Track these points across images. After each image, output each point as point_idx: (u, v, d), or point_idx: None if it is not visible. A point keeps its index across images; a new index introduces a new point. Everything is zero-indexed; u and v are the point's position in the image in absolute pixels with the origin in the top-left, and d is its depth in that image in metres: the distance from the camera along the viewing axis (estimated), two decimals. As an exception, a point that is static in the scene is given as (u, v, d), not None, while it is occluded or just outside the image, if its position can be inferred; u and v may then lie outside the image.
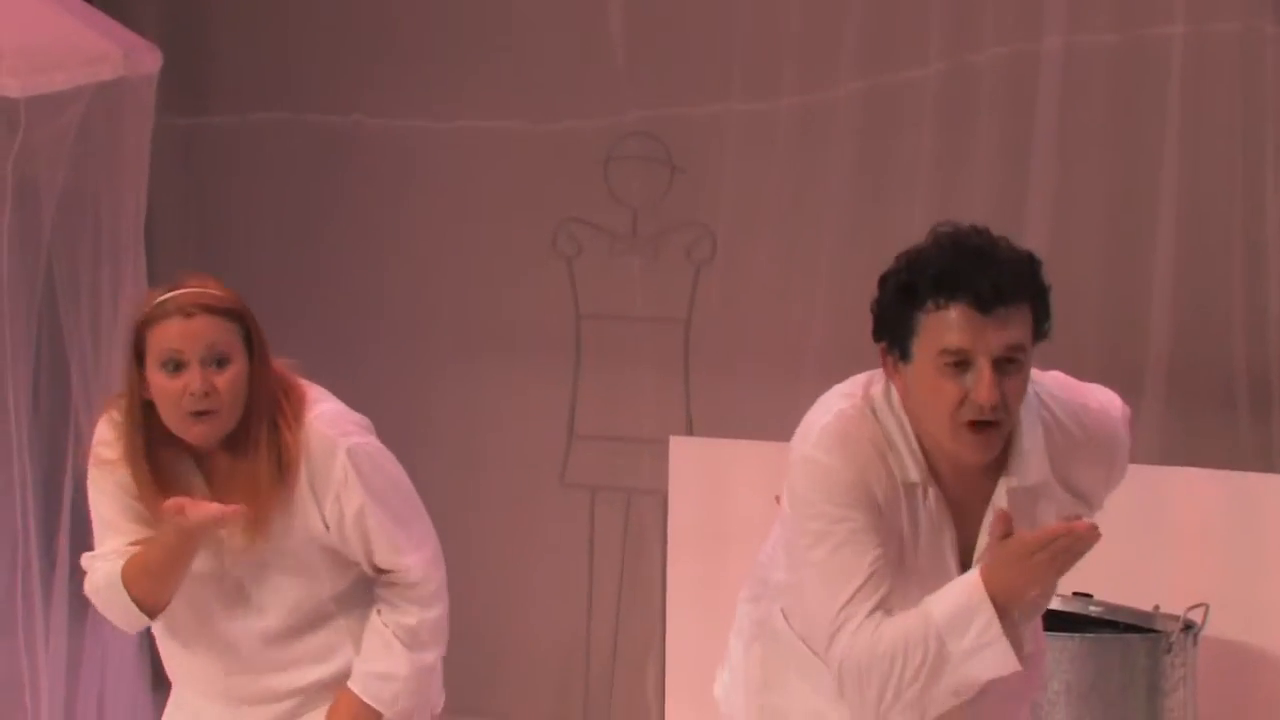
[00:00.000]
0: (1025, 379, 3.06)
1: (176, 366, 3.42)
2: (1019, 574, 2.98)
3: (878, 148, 6.61)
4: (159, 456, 3.49)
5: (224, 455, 3.48)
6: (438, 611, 3.58)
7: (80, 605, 5.56)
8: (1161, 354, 6.12)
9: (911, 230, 6.44)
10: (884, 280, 3.17)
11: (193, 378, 3.40)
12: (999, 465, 3.13)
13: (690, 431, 6.42)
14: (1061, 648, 4.66)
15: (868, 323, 6.56)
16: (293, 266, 7.69)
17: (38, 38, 6.03)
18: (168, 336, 3.42)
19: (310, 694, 3.63)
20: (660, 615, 5.94)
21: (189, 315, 3.43)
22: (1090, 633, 4.74)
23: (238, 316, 3.45)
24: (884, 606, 3.11)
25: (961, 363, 3.02)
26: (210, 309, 3.43)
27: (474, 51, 7.30)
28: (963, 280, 3.02)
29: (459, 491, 7.19)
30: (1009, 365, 3.03)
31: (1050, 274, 6.18)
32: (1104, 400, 3.28)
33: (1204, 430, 6.01)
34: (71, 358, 6.34)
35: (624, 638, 6.96)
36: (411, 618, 3.54)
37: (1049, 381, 3.23)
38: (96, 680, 6.17)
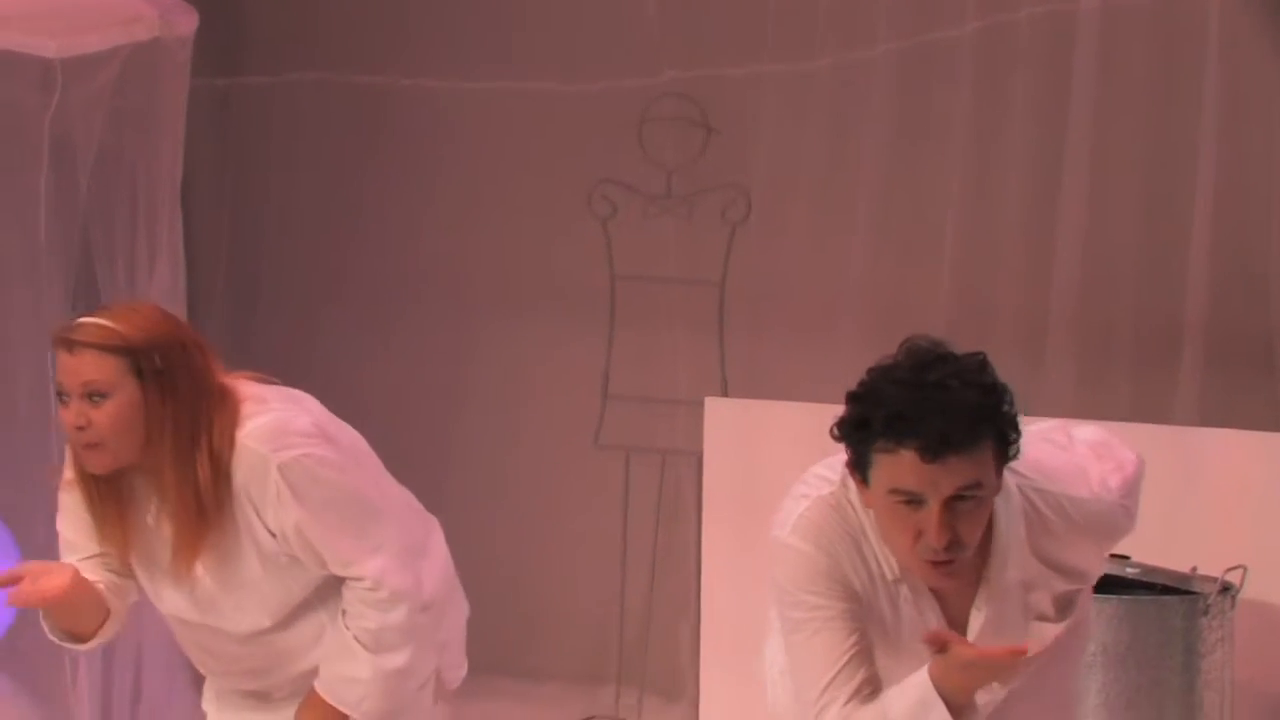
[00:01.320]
0: (985, 508, 3.04)
1: (63, 398, 3.44)
2: (965, 679, 3.04)
3: (914, 107, 6.58)
4: (114, 477, 3.51)
5: (149, 474, 3.50)
6: (400, 615, 3.51)
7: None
8: (1199, 315, 6.08)
9: (948, 192, 6.50)
10: (848, 400, 3.15)
11: (71, 411, 3.42)
12: (984, 550, 3.13)
13: (725, 392, 6.40)
14: (1098, 610, 4.63)
15: (903, 283, 6.61)
16: (329, 228, 7.68)
17: (74, -1, 6.04)
18: (58, 368, 3.46)
19: (310, 677, 3.64)
20: (695, 576, 5.93)
21: (71, 349, 3.42)
22: (1127, 594, 4.71)
23: (124, 351, 3.40)
24: (863, 690, 3.15)
25: (913, 500, 3.01)
26: (93, 344, 3.40)
27: (509, 11, 7.27)
28: (911, 427, 2.98)
29: (495, 452, 7.19)
30: (964, 502, 3.02)
31: (1087, 234, 6.21)
32: (1095, 482, 3.20)
33: (1242, 391, 5.97)
34: (108, 318, 6.35)
35: (658, 599, 6.95)
36: (371, 622, 3.50)
37: (1033, 472, 3.17)
38: (133, 659, 6.21)
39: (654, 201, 6.66)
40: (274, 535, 3.48)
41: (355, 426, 7.56)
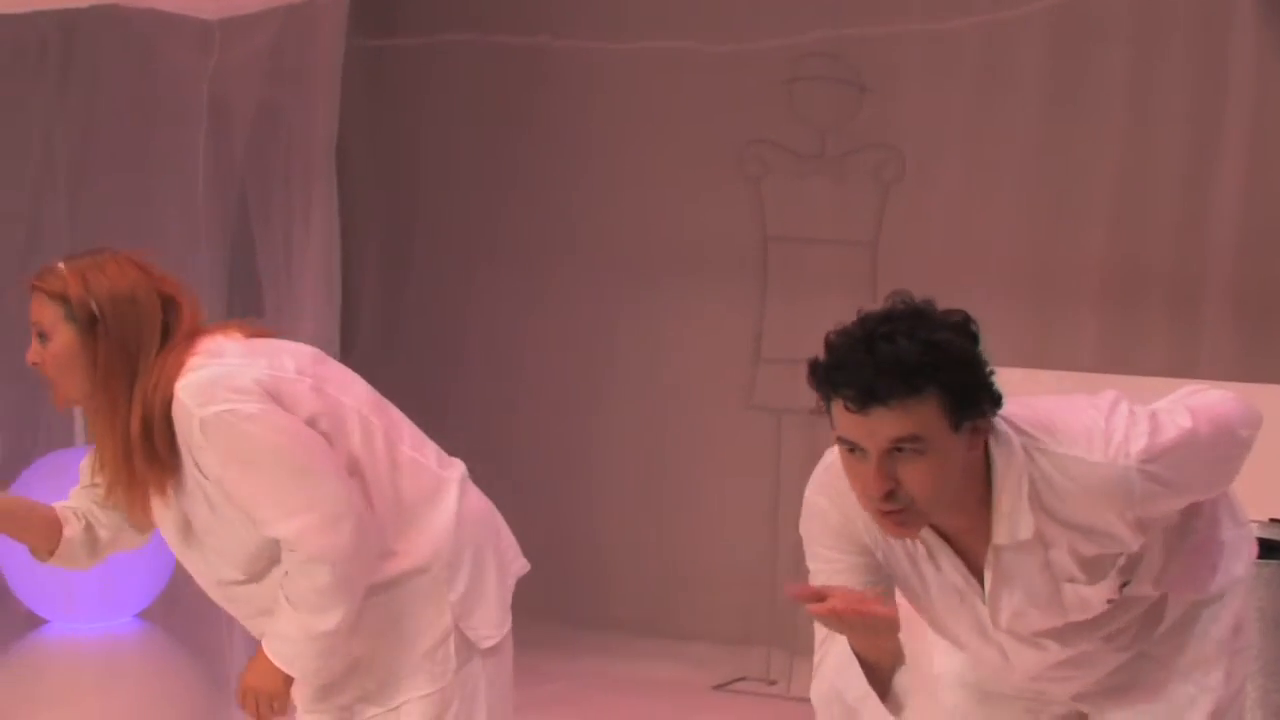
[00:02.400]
0: (934, 465, 2.99)
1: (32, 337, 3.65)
2: (853, 637, 3.11)
3: (1066, 66, 6.50)
4: None
5: (91, 421, 3.67)
6: (321, 577, 3.50)
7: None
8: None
9: (1100, 151, 6.42)
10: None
11: (31, 349, 3.63)
12: (988, 507, 3.12)
13: (877, 354, 6.37)
14: (1257, 574, 4.57)
15: (1055, 243, 6.53)
16: (481, 187, 7.70)
17: (231, -40, 6.09)
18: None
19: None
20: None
21: (32, 292, 3.64)
22: (1286, 560, 4.66)
23: (61, 299, 3.58)
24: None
25: (856, 450, 3.02)
26: (40, 288, 3.62)
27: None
28: (839, 379, 3.00)
29: (646, 413, 7.19)
30: (904, 454, 2.99)
31: (1246, 194, 6.11)
32: (1112, 446, 3.10)
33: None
34: (264, 276, 6.41)
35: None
36: (294, 584, 3.53)
37: (1041, 433, 3.10)
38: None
39: (806, 162, 6.62)
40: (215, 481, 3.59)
41: (507, 383, 7.62)
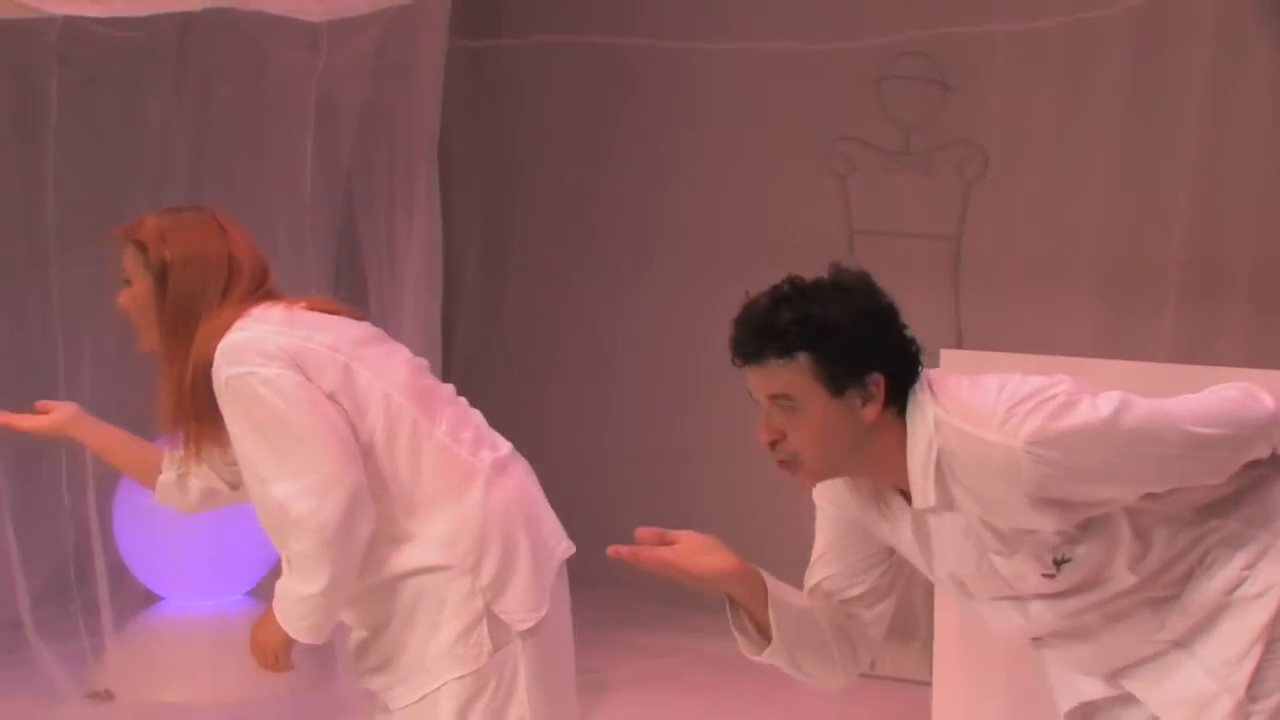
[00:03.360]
0: (809, 424, 3.09)
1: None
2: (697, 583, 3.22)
3: (1148, 65, 6.45)
4: None
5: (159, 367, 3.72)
6: (304, 542, 3.51)
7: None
8: None
9: (1182, 150, 6.35)
10: None
11: (120, 294, 3.70)
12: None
13: (960, 345, 6.32)
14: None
15: (1136, 238, 6.47)
16: (577, 184, 7.71)
17: (339, -36, 6.11)
18: None
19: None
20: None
21: (117, 241, 3.69)
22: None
23: (139, 245, 3.66)
24: (817, 590, 3.33)
25: (756, 401, 3.16)
26: (123, 236, 3.68)
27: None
28: (733, 336, 3.17)
29: (738, 405, 7.15)
30: (782, 409, 3.11)
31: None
32: (1006, 425, 3.06)
33: None
34: (369, 270, 6.43)
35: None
36: (286, 546, 3.56)
37: (954, 409, 3.11)
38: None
39: (892, 158, 6.59)
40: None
41: (604, 375, 7.62)
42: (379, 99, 6.31)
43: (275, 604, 3.59)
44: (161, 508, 6.34)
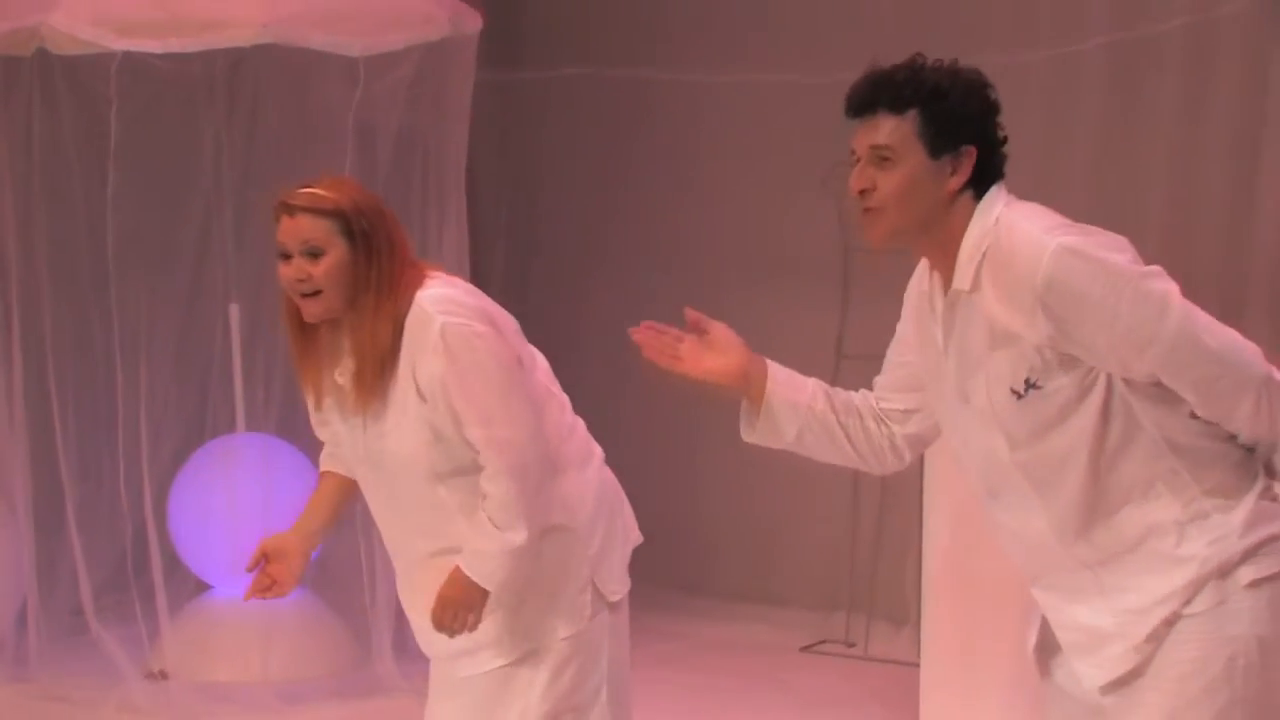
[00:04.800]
0: (901, 176, 3.13)
1: (285, 256, 3.53)
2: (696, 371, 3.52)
3: (1123, 94, 6.47)
4: (315, 329, 3.62)
5: (350, 327, 3.56)
6: (512, 490, 3.48)
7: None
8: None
9: (1153, 169, 6.37)
10: None
11: (293, 266, 3.51)
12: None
13: (948, 352, 6.36)
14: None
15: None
16: (595, 204, 7.75)
17: (376, 3, 6.14)
18: (279, 231, 3.54)
19: (435, 560, 3.62)
20: (918, 513, 5.89)
21: (292, 214, 3.51)
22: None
23: (334, 215, 3.49)
24: (877, 388, 3.45)
25: (855, 160, 3.19)
26: (308, 209, 3.50)
27: (756, 11, 7.27)
28: (847, 96, 3.21)
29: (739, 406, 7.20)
30: (881, 162, 3.14)
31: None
32: (1054, 226, 3.07)
33: None
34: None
35: (886, 534, 6.93)
36: (492, 497, 3.50)
37: (1019, 215, 3.13)
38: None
39: (885, 180, 6.61)
40: (422, 398, 3.52)
41: (619, 379, 7.66)
42: (412, 127, 6.34)
43: (470, 562, 3.52)
44: (211, 502, 6.41)
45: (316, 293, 3.50)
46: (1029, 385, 3.09)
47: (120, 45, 5.81)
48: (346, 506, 3.89)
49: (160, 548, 6.27)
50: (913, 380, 3.39)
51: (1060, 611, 3.23)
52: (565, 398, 3.79)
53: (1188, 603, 3.10)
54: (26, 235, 6.44)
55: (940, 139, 3.12)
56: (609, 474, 3.80)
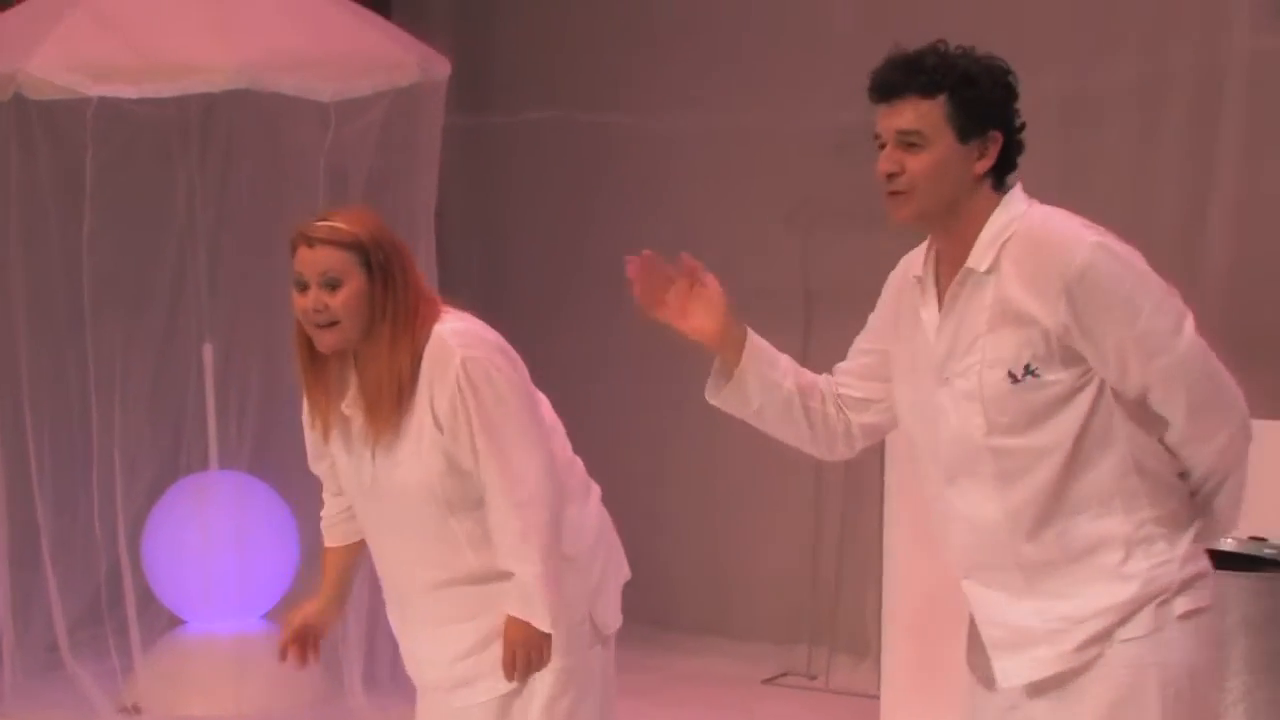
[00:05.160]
0: (931, 159, 3.13)
1: (302, 287, 3.52)
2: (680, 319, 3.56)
3: (1075, 139, 6.51)
4: (325, 361, 3.60)
5: (364, 358, 3.55)
6: (543, 514, 3.50)
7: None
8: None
9: (1106, 209, 6.40)
10: None
11: (310, 297, 3.49)
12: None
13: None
14: (1239, 585, 4.56)
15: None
16: (563, 248, 7.76)
17: (347, 50, 6.15)
18: (297, 261, 3.53)
19: (439, 591, 3.64)
20: (878, 547, 5.91)
21: (311, 245, 3.50)
22: (1266, 572, 4.63)
23: (354, 247, 3.48)
24: (836, 373, 3.47)
25: (881, 143, 3.18)
26: (328, 240, 3.49)
27: (720, 54, 7.30)
28: (873, 76, 3.20)
29: (704, 441, 7.21)
30: (909, 146, 3.13)
31: (1231, 251, 6.09)
32: (1090, 227, 3.12)
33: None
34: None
35: (846, 568, 6.93)
36: (513, 530, 3.49)
37: (1051, 210, 3.18)
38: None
39: (848, 220, 6.65)
40: (440, 428, 3.51)
41: (585, 418, 7.65)
42: (383, 170, 6.36)
43: (519, 607, 3.52)
44: (184, 538, 6.39)
45: (333, 323, 3.49)
46: (1028, 371, 3.11)
47: (96, 90, 5.82)
48: (356, 570, 3.90)
49: (134, 583, 6.26)
50: (875, 369, 3.41)
51: (989, 607, 3.22)
52: (564, 432, 3.80)
53: (1123, 623, 3.12)
54: (3, 276, 6.44)
55: (970, 124, 3.14)
56: (604, 509, 3.82)
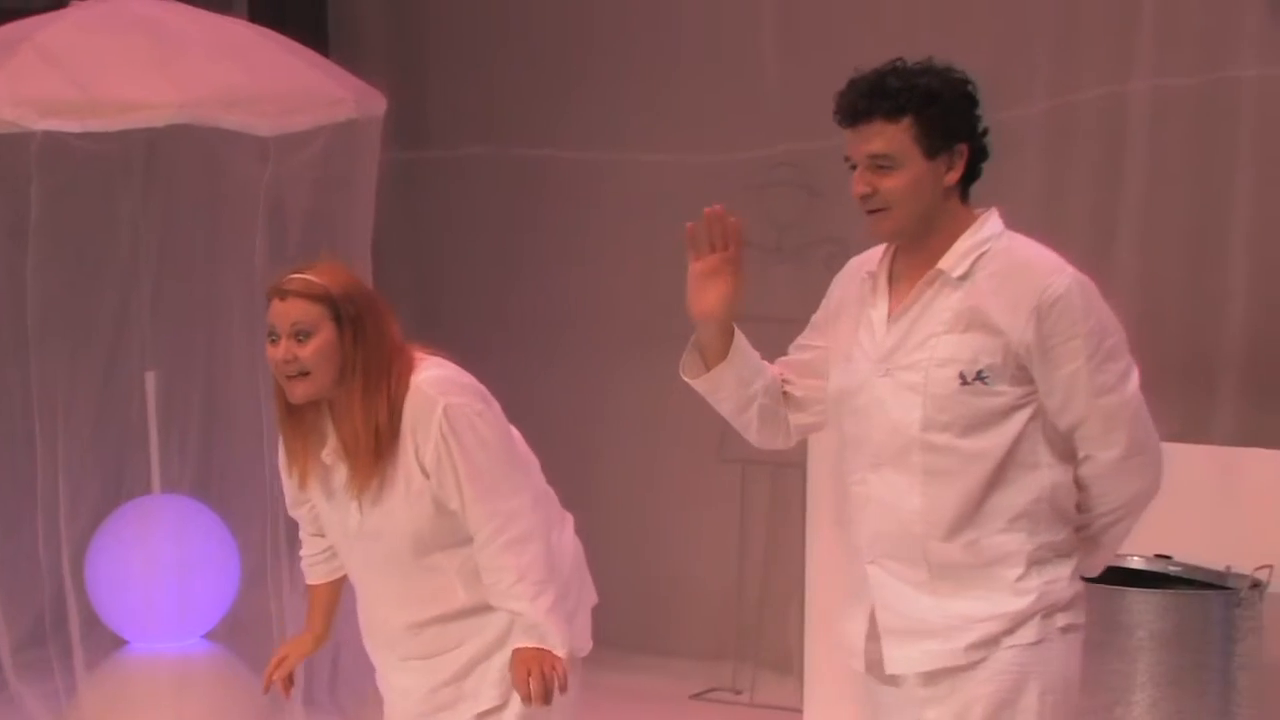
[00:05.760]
0: (903, 180, 3.14)
1: (274, 338, 3.52)
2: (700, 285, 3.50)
3: (989, 175, 6.55)
4: (302, 411, 3.59)
5: (339, 409, 3.54)
6: (534, 550, 3.49)
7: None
8: (1235, 351, 6.02)
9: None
10: None
11: (281, 348, 3.49)
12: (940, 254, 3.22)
13: (829, 415, 6.40)
14: (1146, 601, 4.60)
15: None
16: (495, 277, 7.75)
17: (286, 87, 6.13)
18: (270, 313, 3.53)
19: (427, 629, 3.64)
20: (801, 568, 5.92)
21: (283, 298, 3.51)
22: (1172, 589, 4.67)
23: (323, 300, 3.49)
24: (781, 365, 3.49)
25: (852, 165, 3.20)
26: (298, 293, 3.49)
27: (649, 95, 7.33)
28: (838, 101, 3.20)
29: (634, 465, 7.22)
30: (880, 169, 3.15)
31: (1137, 280, 6.16)
32: (1052, 270, 3.16)
33: (1272, 416, 5.90)
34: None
35: (770, 588, 6.95)
36: (508, 569, 3.48)
37: (1029, 239, 3.23)
38: (333, 637, 6.27)
39: (769, 254, 6.68)
40: (426, 474, 3.51)
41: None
42: (321, 202, 6.33)
43: (529, 638, 3.50)
44: (127, 561, 6.35)
45: (304, 374, 3.48)
46: (979, 376, 3.15)
47: (41, 125, 5.78)
48: (338, 604, 3.89)
49: (78, 605, 6.20)
50: (816, 365, 3.45)
51: (890, 595, 3.26)
52: (538, 464, 3.80)
53: (1011, 631, 3.20)
54: (-51, 305, 6.38)
55: (937, 141, 3.16)
56: (577, 538, 3.83)
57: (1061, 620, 3.23)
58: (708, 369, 3.42)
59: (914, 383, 3.20)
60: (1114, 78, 6.25)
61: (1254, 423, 5.90)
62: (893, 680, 3.30)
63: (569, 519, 3.84)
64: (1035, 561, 3.22)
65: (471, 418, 3.50)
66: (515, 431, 3.76)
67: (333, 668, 6.31)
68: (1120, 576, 4.67)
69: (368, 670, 6.27)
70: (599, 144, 7.44)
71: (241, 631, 6.41)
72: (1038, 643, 3.20)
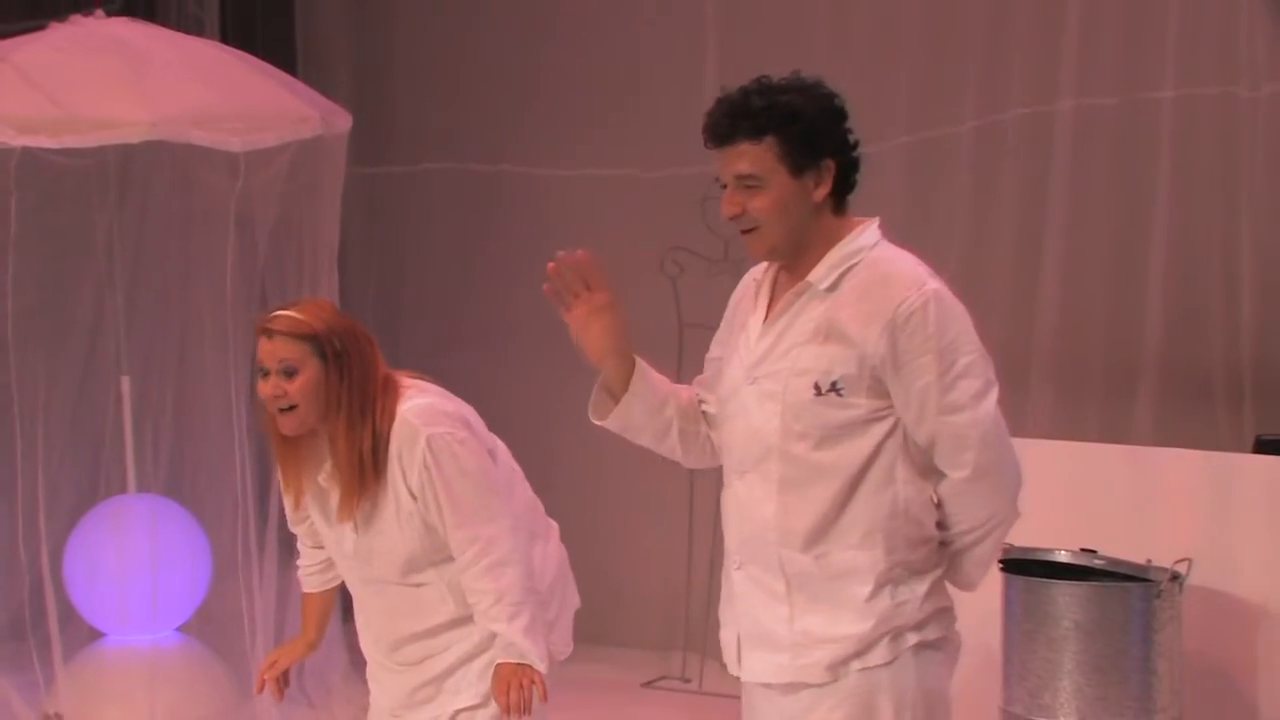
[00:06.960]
0: (770, 199, 3.02)
1: (264, 374, 3.53)
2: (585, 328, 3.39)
3: (921, 190, 6.58)
4: (298, 438, 3.59)
5: (330, 438, 3.54)
6: (514, 574, 3.49)
7: (287, 553, 5.62)
8: (1154, 357, 6.05)
9: (947, 260, 6.48)
10: None
11: (270, 383, 3.49)
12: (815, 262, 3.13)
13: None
14: (1071, 593, 4.61)
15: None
16: (454, 286, 7.73)
17: (255, 105, 6.10)
18: (259, 351, 3.54)
19: (420, 639, 3.64)
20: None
21: (271, 336, 3.51)
22: (1095, 581, 4.69)
23: (308, 338, 3.49)
24: (697, 384, 3.34)
25: (724, 186, 3.08)
26: (285, 332, 3.50)
27: (600, 113, 7.32)
28: (705, 122, 3.09)
29: (587, 468, 7.20)
30: (748, 189, 3.03)
31: (1061, 290, 6.18)
32: (910, 285, 3.03)
33: (1188, 418, 5.93)
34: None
35: (717, 583, 6.92)
36: (488, 592, 3.48)
37: (900, 251, 3.11)
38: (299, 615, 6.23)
39: (714, 264, 6.68)
40: (414, 497, 3.51)
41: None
42: (289, 215, 6.30)
43: (505, 651, 3.49)
44: (103, 557, 6.29)
45: (292, 408, 3.48)
46: (833, 387, 3.04)
47: (19, 142, 5.73)
48: (331, 612, 3.91)
49: (56, 600, 6.13)
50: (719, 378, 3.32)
51: (750, 602, 3.18)
52: (523, 475, 3.78)
53: (860, 654, 3.08)
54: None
55: (801, 159, 3.02)
56: (562, 545, 3.81)
57: (913, 639, 3.09)
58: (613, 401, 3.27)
59: (774, 391, 3.09)
60: (1040, 98, 6.27)
61: (1172, 424, 5.93)
62: (766, 685, 3.21)
63: (554, 527, 3.83)
64: (888, 580, 3.08)
65: (453, 446, 3.49)
66: (502, 445, 3.74)
67: (301, 661, 6.27)
68: (1047, 569, 4.68)
69: (334, 662, 6.26)
70: (552, 160, 7.43)
71: (213, 624, 6.37)
72: (889, 663, 3.08)
